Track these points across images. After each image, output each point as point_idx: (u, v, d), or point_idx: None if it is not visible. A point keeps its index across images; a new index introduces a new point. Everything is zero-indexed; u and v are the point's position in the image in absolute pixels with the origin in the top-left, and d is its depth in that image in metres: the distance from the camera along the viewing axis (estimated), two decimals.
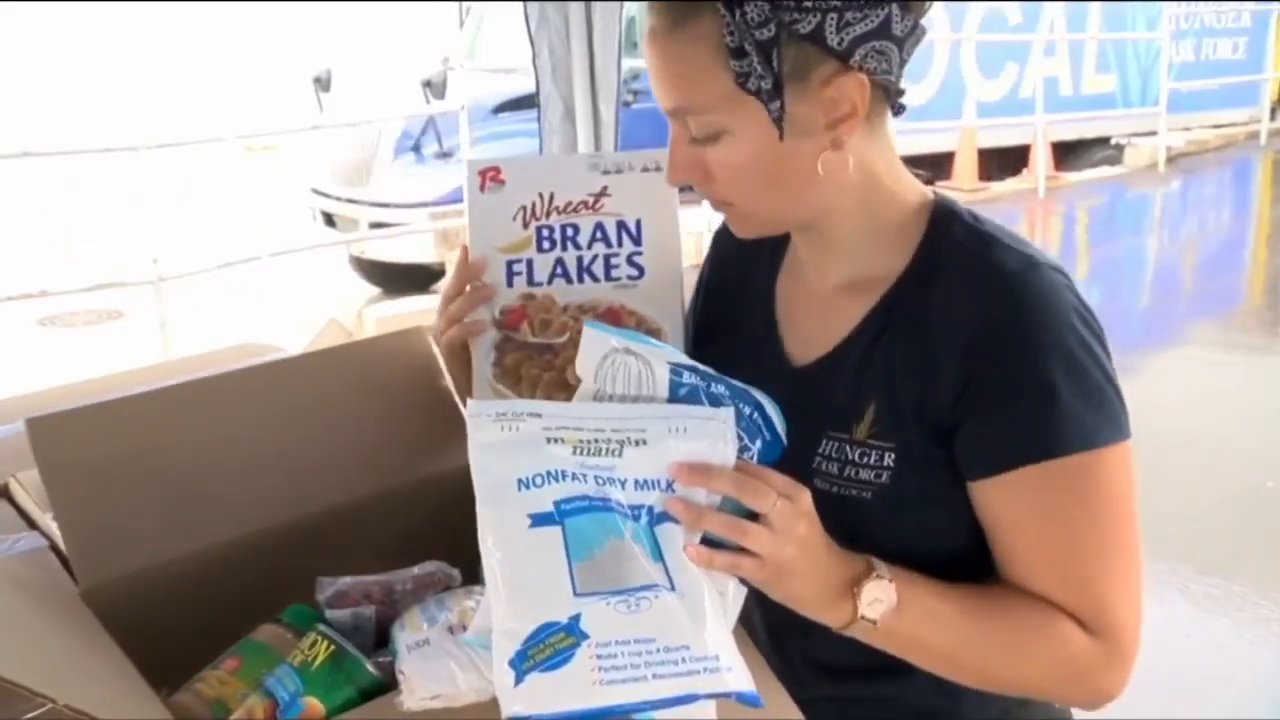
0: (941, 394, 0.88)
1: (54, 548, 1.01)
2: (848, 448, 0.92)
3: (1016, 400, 0.85)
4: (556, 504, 0.74)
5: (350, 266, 7.03)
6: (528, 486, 0.75)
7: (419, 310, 5.80)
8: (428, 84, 6.80)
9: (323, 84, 7.02)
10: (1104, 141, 10.64)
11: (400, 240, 6.45)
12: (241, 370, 1.18)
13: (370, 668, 0.89)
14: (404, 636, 0.89)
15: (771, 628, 1.00)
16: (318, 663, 0.88)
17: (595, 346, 0.81)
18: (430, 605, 0.93)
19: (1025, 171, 9.66)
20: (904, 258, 0.94)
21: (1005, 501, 0.88)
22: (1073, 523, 0.86)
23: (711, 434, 0.77)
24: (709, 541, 0.77)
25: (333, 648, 0.90)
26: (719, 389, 0.81)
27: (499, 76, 6.77)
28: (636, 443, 0.76)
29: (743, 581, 0.78)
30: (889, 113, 0.92)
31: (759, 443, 0.81)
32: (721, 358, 0.86)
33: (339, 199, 6.70)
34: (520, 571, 0.73)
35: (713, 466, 0.77)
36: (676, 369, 0.81)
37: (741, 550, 0.77)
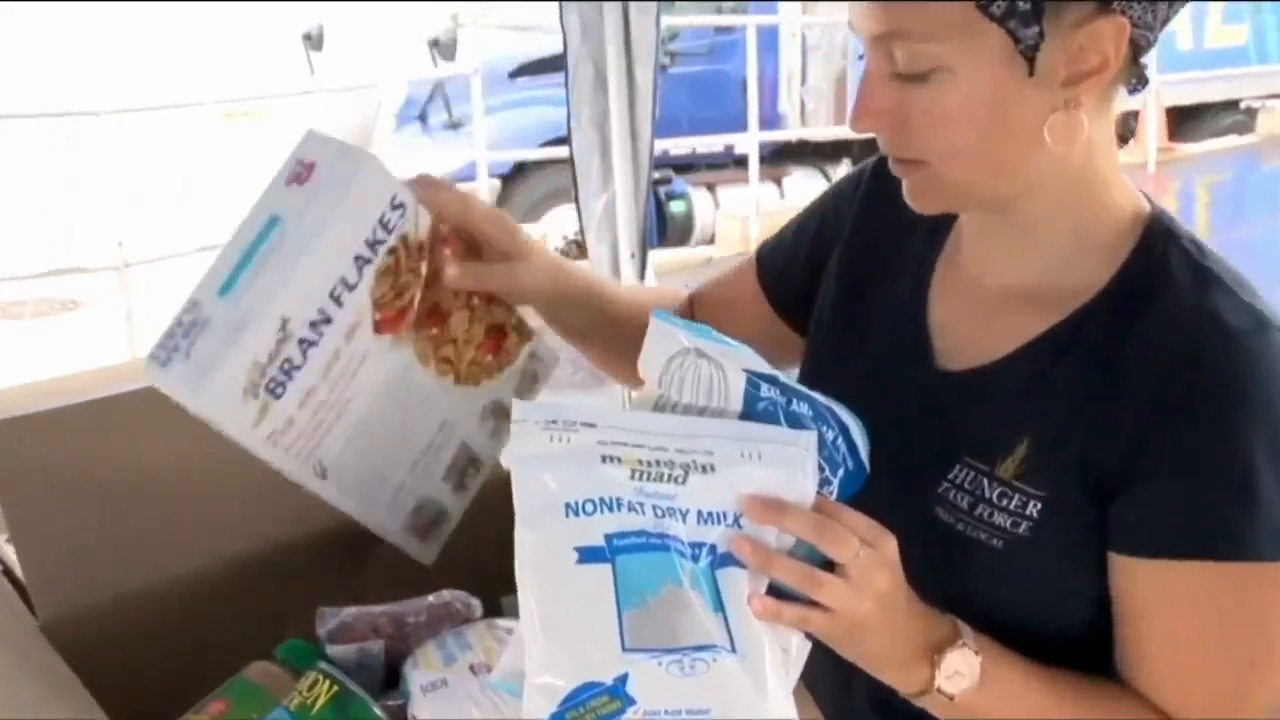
0: (1116, 446, 0.86)
1: (8, 573, 1.02)
2: (985, 483, 0.90)
3: (1205, 479, 0.83)
4: (609, 538, 0.74)
5: None
6: (577, 513, 0.75)
7: None
8: (435, 43, 6.77)
9: (314, 42, 7.03)
10: (1232, 105, 10.49)
11: None
12: None
13: (379, 712, 0.88)
14: (417, 676, 0.89)
15: (835, 656, 1.00)
16: (318, 706, 0.88)
17: (662, 344, 0.80)
18: (448, 641, 0.93)
19: (1132, 142, 9.50)
20: (1104, 273, 0.91)
21: (1156, 589, 0.86)
22: (1229, 635, 0.85)
23: (789, 462, 0.77)
24: (775, 589, 0.77)
25: (336, 689, 0.89)
26: (800, 407, 0.81)
27: (517, 35, 6.75)
28: (703, 468, 0.76)
29: (808, 634, 0.79)
30: (1123, 87, 0.88)
31: (840, 473, 0.81)
32: (856, 336, 0.87)
33: None
34: (562, 615, 0.73)
35: (788, 504, 0.76)
36: (754, 379, 0.81)
37: (811, 602, 0.77)
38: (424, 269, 0.88)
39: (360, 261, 0.83)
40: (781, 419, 0.80)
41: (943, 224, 1.03)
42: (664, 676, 0.71)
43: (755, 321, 1.14)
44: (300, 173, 0.83)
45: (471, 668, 0.89)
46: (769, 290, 1.17)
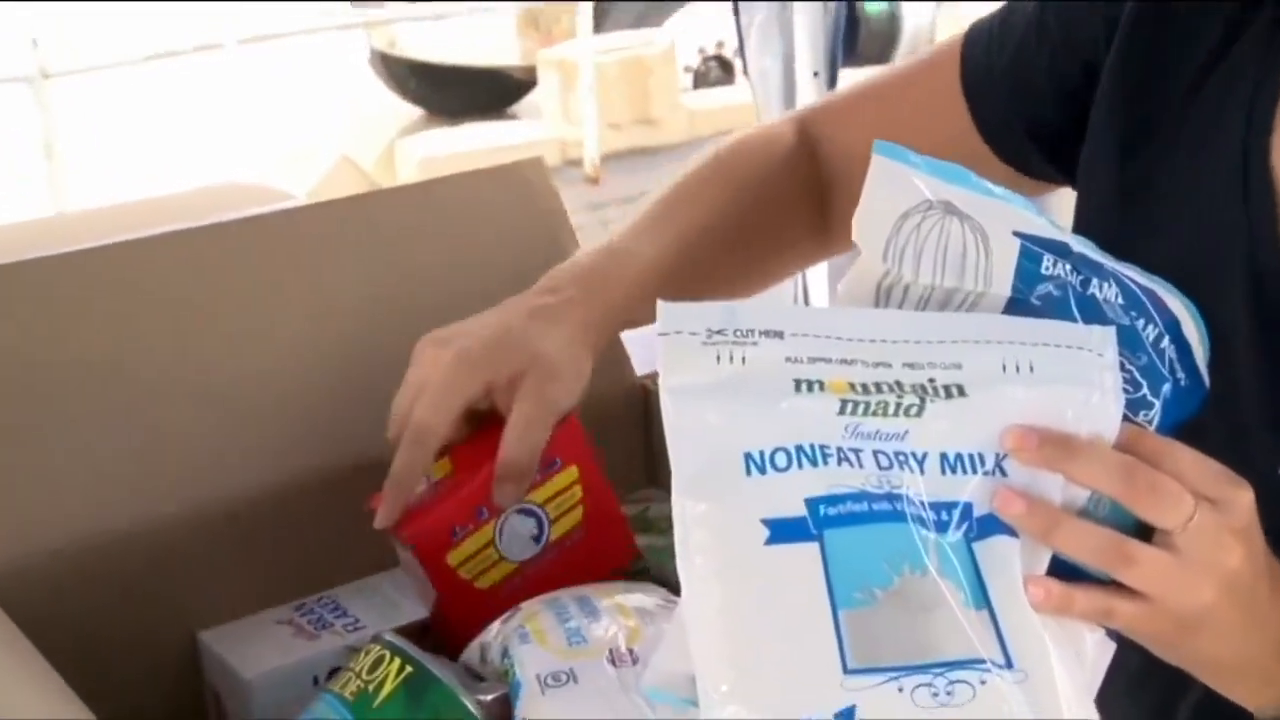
0: None
1: None
2: None
3: None
4: (812, 504, 0.71)
5: (372, 69, 7.06)
6: (762, 469, 0.71)
7: (492, 147, 5.83)
8: None
9: None
10: None
11: (457, 26, 6.58)
12: (239, 223, 1.16)
13: (471, 707, 0.85)
14: (529, 658, 0.86)
15: (1151, 665, 0.93)
16: (384, 694, 0.87)
17: (890, 193, 0.76)
18: (568, 607, 0.90)
19: None
20: None
21: None
22: None
23: (1080, 375, 0.73)
24: (1062, 569, 0.73)
25: (409, 670, 0.87)
26: (1104, 289, 0.77)
27: None
28: (948, 390, 0.72)
29: (1110, 630, 0.75)
30: None
31: (1166, 390, 0.77)
32: (1146, 211, 0.86)
33: None
34: (750, 621, 0.69)
35: (1079, 439, 0.72)
36: (1031, 247, 0.76)
37: (1117, 585, 0.74)
38: None
39: None
40: (1073, 308, 0.76)
41: (1267, 93, 0.94)
42: (908, 709, 0.67)
43: None
44: None
45: (611, 654, 0.86)
46: (986, 123, 1.09)
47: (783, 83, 2.57)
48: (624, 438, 1.18)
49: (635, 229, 1.07)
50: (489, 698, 0.88)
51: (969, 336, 0.74)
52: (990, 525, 0.72)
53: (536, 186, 1.20)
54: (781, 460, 0.72)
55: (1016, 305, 0.77)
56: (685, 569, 0.70)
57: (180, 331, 1.06)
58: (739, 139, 1.15)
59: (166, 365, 1.06)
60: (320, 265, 1.13)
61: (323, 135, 6.21)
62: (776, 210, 1.13)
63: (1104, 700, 0.77)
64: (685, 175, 1.12)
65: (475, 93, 6.78)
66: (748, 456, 0.71)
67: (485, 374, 0.95)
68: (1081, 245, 0.78)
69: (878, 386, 0.72)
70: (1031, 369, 0.73)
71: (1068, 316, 0.76)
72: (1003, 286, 0.77)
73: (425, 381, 0.96)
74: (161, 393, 1.05)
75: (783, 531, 0.71)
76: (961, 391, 0.73)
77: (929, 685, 0.68)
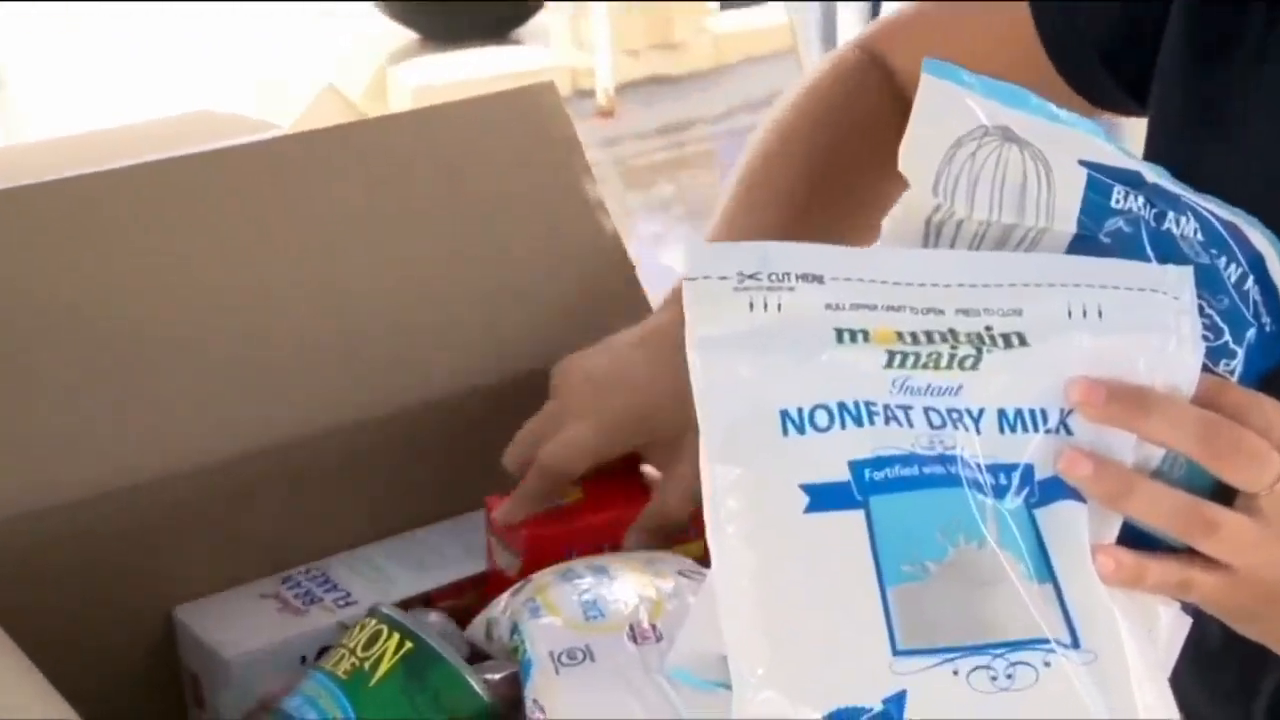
0: None
1: None
2: None
3: None
4: (857, 468, 0.70)
5: None
6: (800, 428, 0.70)
7: (493, 75, 5.69)
8: None
9: None
10: None
11: None
12: (212, 155, 1.14)
13: (476, 685, 0.85)
14: (541, 633, 0.85)
15: (1229, 641, 0.93)
16: (381, 672, 0.86)
17: (941, 116, 0.74)
18: (583, 575, 0.89)
19: None
20: None
21: None
22: None
23: (1153, 320, 0.71)
24: (1133, 537, 0.72)
25: (409, 646, 0.86)
26: (1181, 224, 0.75)
27: None
28: (1006, 339, 0.71)
29: (1185, 604, 0.74)
30: None
31: (1250, 335, 0.75)
32: (1222, 130, 0.86)
33: None
34: (790, 597, 0.68)
35: (1152, 392, 0.71)
36: (1099, 177, 0.74)
37: (1194, 554, 0.72)
38: None
39: None
40: (1146, 246, 0.74)
41: None
42: (964, 694, 0.66)
43: None
44: None
45: (631, 630, 0.85)
46: (1053, 44, 1.08)
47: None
48: None
49: (729, 215, 1.09)
50: (496, 677, 0.87)
51: (1030, 279, 0.73)
52: (1054, 489, 0.71)
53: (548, 113, 1.18)
54: (822, 419, 0.70)
55: (1082, 243, 0.75)
56: (716, 540, 0.69)
57: (148, 277, 1.04)
58: (810, 81, 1.15)
59: (135, 314, 1.03)
60: (307, 202, 1.11)
61: (303, 63, 6.16)
62: (877, 149, 1.08)
63: (1178, 680, 0.76)
64: (763, 135, 1.11)
65: (475, 14, 6.74)
66: (785, 415, 0.70)
67: (633, 442, 1.02)
68: (1156, 175, 0.76)
69: (928, 336, 0.71)
70: (1100, 314, 0.72)
71: (1140, 255, 0.75)
72: (1067, 222, 0.75)
73: (564, 420, 1.01)
74: (130, 345, 1.03)
75: (824, 498, 0.69)
76: (1022, 340, 0.71)
77: (987, 667, 0.67)
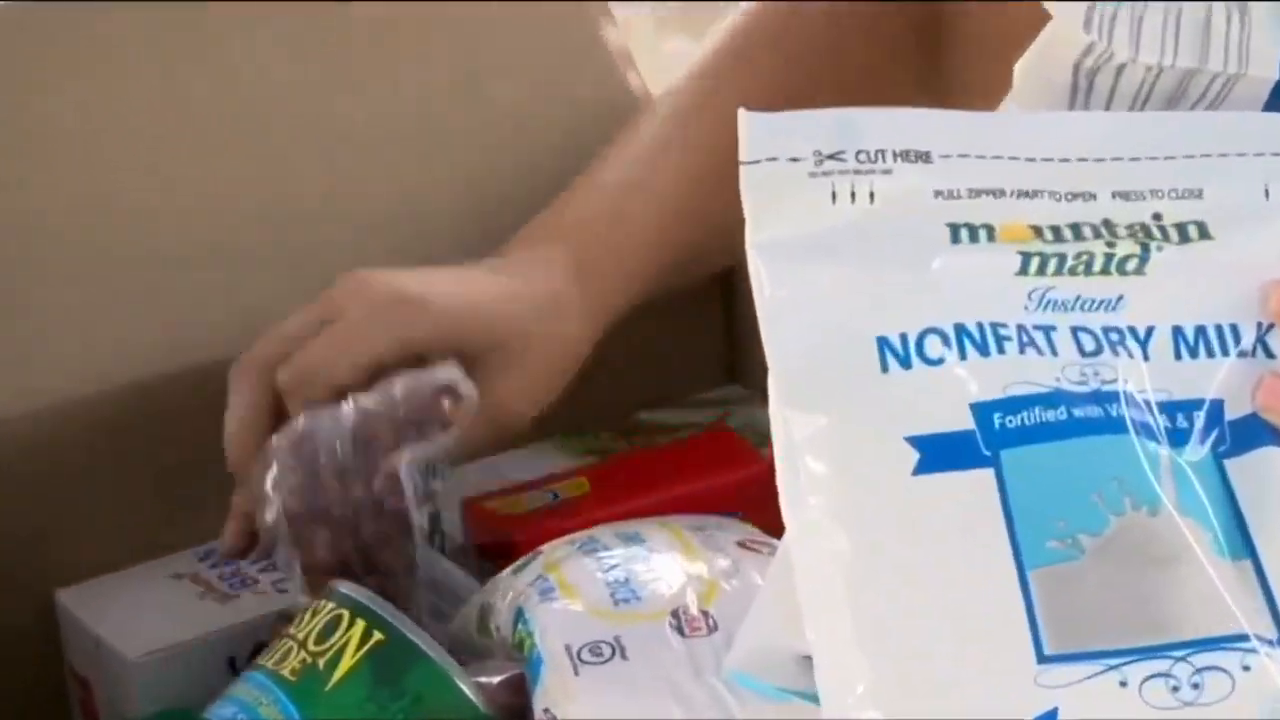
0: None
1: None
2: None
3: None
4: (983, 411, 0.62)
5: None
6: (905, 360, 0.62)
7: None
8: None
9: None
10: None
11: None
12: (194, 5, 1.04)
13: (469, 692, 0.77)
14: (555, 622, 0.76)
15: None
16: (342, 670, 0.78)
17: None
18: (611, 548, 0.81)
19: None
20: None
21: None
22: None
23: None
24: None
25: (378, 637, 0.79)
26: None
27: None
28: (1181, 231, 0.63)
29: None
30: None
31: None
32: None
33: None
34: (895, 588, 0.62)
35: None
36: None
37: None
38: None
39: None
40: None
41: None
42: (1135, 709, 0.59)
43: None
44: None
45: (676, 620, 0.76)
46: None
47: None
48: (694, 314, 1.10)
49: (642, 148, 0.98)
50: (495, 680, 0.79)
51: (1213, 147, 0.65)
52: (1252, 433, 0.64)
53: None
54: (934, 348, 0.62)
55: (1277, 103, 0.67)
56: (795, 514, 0.61)
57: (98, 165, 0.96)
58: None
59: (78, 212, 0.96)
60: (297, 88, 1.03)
61: None
62: (863, 66, 1.01)
63: None
64: (716, 44, 1.00)
65: None
66: (883, 344, 0.62)
67: (431, 345, 0.86)
68: None
69: (1076, 231, 0.64)
70: None
71: None
72: (1266, 67, 0.66)
73: (337, 315, 0.86)
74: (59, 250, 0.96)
75: (939, 454, 0.62)
76: (1204, 232, 0.64)
77: (1165, 675, 0.60)
